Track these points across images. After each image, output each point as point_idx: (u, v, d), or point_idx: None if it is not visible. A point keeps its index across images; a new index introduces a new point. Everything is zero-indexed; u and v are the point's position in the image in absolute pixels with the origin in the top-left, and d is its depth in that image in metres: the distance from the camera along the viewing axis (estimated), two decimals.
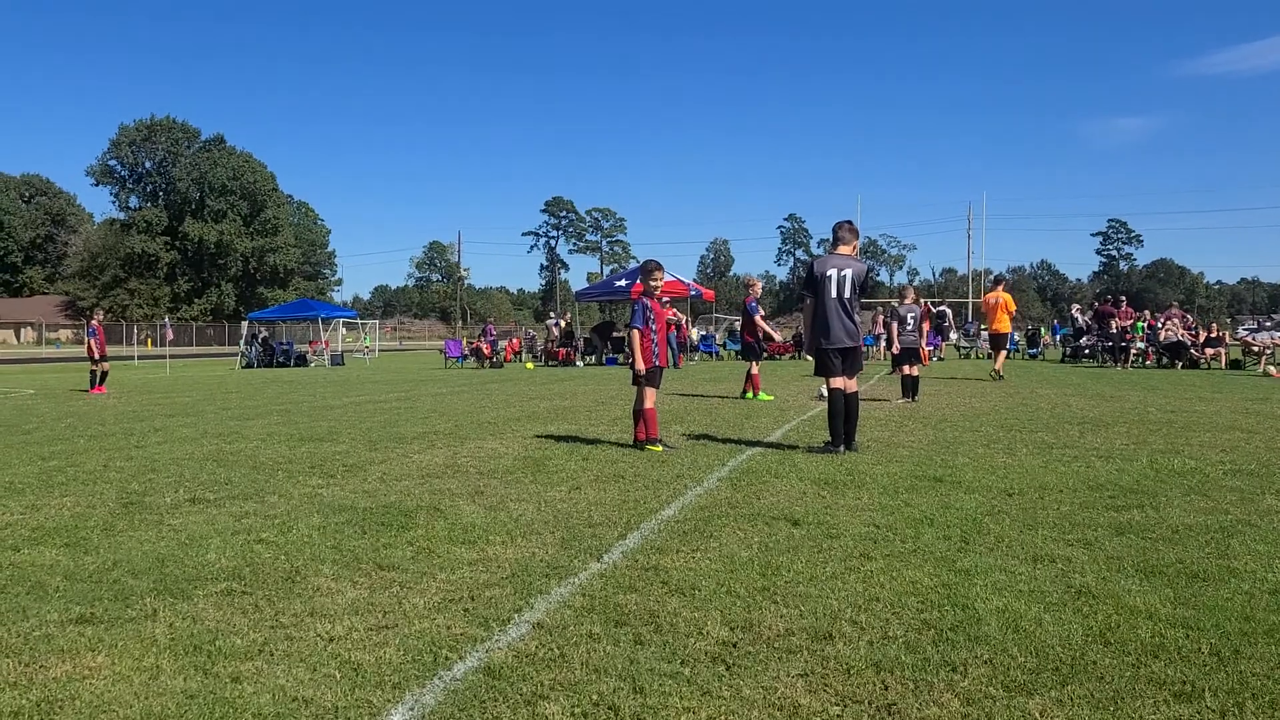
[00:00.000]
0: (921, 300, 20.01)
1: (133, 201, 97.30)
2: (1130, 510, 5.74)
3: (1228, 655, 3.31)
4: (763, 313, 15.35)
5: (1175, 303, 33.11)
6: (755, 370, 14.99)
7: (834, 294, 8.40)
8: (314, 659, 3.38)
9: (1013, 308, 20.68)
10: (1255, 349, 25.37)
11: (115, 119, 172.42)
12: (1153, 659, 3.28)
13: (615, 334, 32.56)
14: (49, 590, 4.28)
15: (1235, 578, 4.24)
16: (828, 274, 8.41)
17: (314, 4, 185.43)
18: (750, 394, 14.80)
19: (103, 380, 20.03)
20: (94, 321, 21.67)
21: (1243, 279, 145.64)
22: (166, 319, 47.55)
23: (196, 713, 2.94)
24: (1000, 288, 20.80)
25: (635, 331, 8.89)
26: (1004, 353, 20.19)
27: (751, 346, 15.10)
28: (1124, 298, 32.05)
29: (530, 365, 32.92)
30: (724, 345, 39.24)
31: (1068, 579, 4.25)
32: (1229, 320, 79.13)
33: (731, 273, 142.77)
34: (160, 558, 4.83)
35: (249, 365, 36.17)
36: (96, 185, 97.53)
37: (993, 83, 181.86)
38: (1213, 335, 26.65)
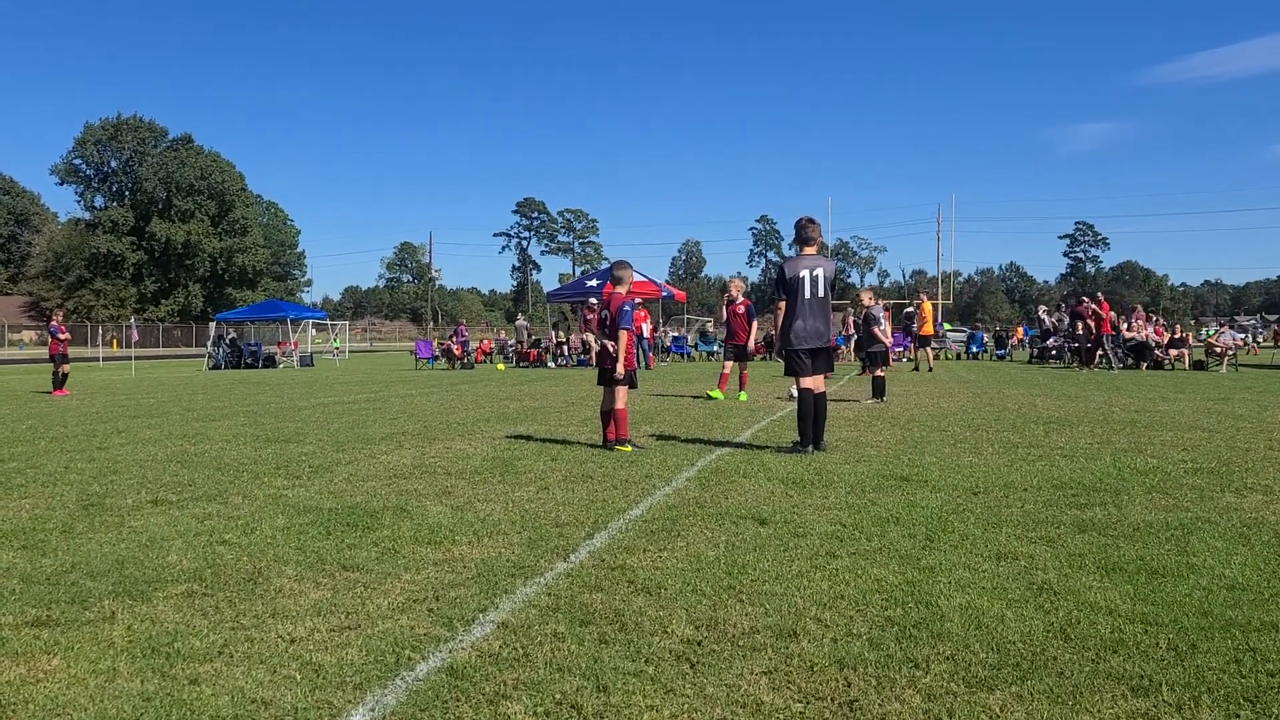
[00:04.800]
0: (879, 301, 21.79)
1: (98, 201, 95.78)
2: (1093, 508, 5.80)
3: (1185, 650, 3.35)
4: (738, 309, 15.32)
5: (1139, 305, 33.59)
6: (744, 369, 15.07)
7: (808, 295, 8.43)
8: (274, 660, 3.34)
9: (929, 315, 26.67)
10: (1218, 350, 25.78)
11: (80, 117, 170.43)
12: (1111, 654, 3.32)
13: (582, 336, 32.50)
14: (4, 593, 4.20)
15: (1194, 574, 4.30)
16: (800, 275, 8.43)
17: (284, 4, 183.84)
18: (714, 391, 14.87)
19: (63, 382, 19.67)
20: (55, 321, 21.28)
21: (1206, 281, 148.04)
22: (133, 320, 46.93)
23: (153, 715, 2.89)
24: (924, 298, 26.91)
25: (626, 333, 8.88)
26: (930, 350, 26.36)
27: (740, 348, 15.10)
28: (1084, 299, 32.46)
29: (501, 366, 32.82)
30: (695, 346, 39.29)
31: (1030, 576, 4.29)
32: (1193, 322, 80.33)
33: (703, 274, 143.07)
34: (120, 560, 4.76)
35: (216, 366, 35.78)
36: (61, 184, 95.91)
37: (962, 87, 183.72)
38: (1177, 336, 27.02)
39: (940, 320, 52.61)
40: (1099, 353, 24.89)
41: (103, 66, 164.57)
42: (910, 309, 36.61)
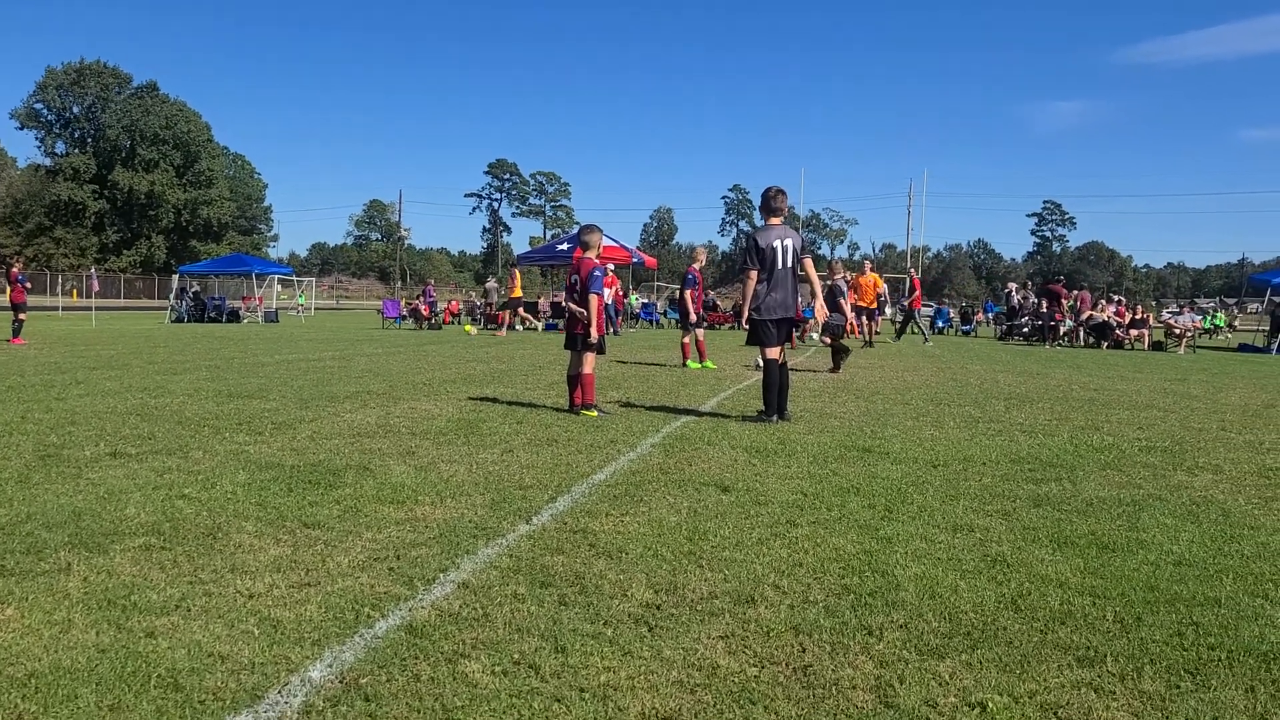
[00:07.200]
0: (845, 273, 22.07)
1: (59, 147, 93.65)
2: (1048, 483, 5.91)
3: (1130, 622, 3.43)
4: (694, 289, 15.32)
5: (1083, 285, 34.23)
6: (701, 338, 15.09)
7: (779, 265, 8.44)
8: (232, 615, 3.33)
9: (880, 287, 25.90)
10: (1177, 331, 26.22)
11: (42, 61, 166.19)
12: (1060, 625, 3.40)
13: (553, 299, 32.37)
14: None
15: (1143, 549, 4.40)
16: (773, 245, 8.43)
17: None
18: (694, 363, 14.92)
19: (19, 330, 19.39)
20: (15, 269, 20.94)
21: (1169, 263, 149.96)
22: (93, 270, 46.10)
23: (107, 667, 2.88)
24: (869, 268, 25.24)
25: (597, 297, 8.84)
26: (873, 322, 24.84)
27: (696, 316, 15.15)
28: (1061, 278, 32.85)
29: (469, 328, 32.65)
30: (664, 313, 39.32)
31: (985, 548, 4.37)
32: (1154, 303, 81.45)
33: (674, 241, 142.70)
34: (77, 511, 4.71)
35: (179, 320, 35.27)
36: (21, 129, 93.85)
37: (937, 60, 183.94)
38: (1138, 317, 27.41)
39: (906, 294, 53.05)
40: (911, 325, 27.81)
41: (65, 10, 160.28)
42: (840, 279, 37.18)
